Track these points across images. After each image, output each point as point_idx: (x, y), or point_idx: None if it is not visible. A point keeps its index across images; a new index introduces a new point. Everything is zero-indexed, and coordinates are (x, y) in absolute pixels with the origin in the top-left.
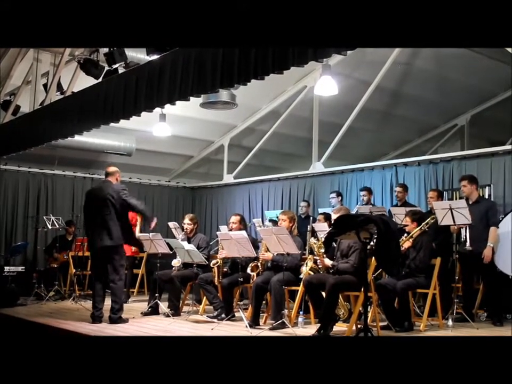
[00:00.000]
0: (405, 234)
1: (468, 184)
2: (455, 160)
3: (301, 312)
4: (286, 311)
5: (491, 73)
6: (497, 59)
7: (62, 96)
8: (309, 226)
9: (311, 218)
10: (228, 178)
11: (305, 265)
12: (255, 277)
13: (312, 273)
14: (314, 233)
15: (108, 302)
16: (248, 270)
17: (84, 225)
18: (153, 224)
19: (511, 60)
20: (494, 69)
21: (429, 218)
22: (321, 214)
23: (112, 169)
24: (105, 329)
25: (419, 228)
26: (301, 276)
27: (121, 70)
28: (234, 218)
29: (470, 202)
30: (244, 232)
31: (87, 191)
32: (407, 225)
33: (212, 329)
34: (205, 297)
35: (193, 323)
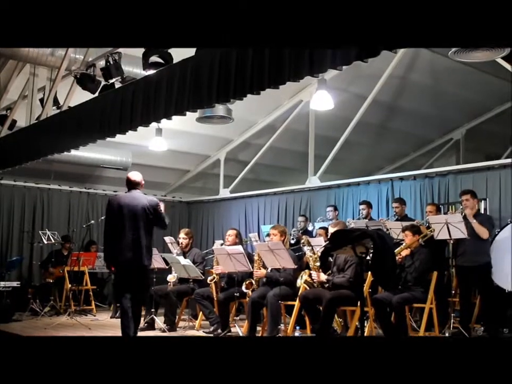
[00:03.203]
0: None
1: (470, 198)
2: (451, 174)
3: (298, 327)
4: (282, 326)
5: (486, 87)
6: (492, 73)
7: (59, 110)
8: (303, 238)
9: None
10: (224, 193)
11: (300, 278)
12: (250, 294)
13: (306, 286)
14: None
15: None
16: (243, 288)
17: (106, 237)
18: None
19: (507, 74)
20: (488, 83)
21: (426, 231)
22: (320, 228)
23: (138, 176)
24: None
25: (417, 239)
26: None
27: (117, 85)
28: (230, 232)
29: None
30: (240, 247)
31: (113, 198)
32: (403, 240)
33: None
34: (201, 312)
35: None
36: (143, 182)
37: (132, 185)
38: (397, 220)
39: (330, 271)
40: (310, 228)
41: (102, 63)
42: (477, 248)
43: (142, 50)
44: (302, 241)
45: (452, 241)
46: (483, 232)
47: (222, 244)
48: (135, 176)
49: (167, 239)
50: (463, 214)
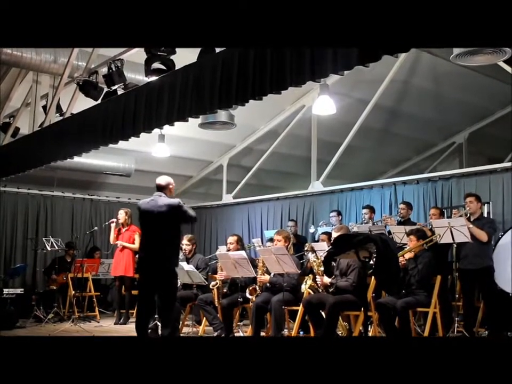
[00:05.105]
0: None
1: (474, 201)
2: (454, 178)
3: (301, 332)
4: (286, 331)
5: (488, 90)
6: (494, 77)
7: (61, 117)
8: (307, 245)
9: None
10: (227, 198)
11: (304, 283)
12: (253, 300)
13: (311, 291)
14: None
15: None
16: (247, 293)
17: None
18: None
19: (509, 77)
20: (490, 87)
21: (432, 236)
22: (323, 233)
23: (162, 180)
24: None
25: (421, 244)
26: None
27: (120, 91)
28: (231, 239)
29: (472, 219)
30: (243, 252)
31: (138, 205)
32: (406, 244)
33: None
34: (204, 318)
35: None
36: (170, 186)
37: (157, 189)
38: (399, 222)
39: (333, 275)
40: (311, 231)
41: (104, 70)
42: (479, 251)
43: (144, 57)
44: (306, 248)
45: (455, 245)
46: (481, 235)
47: (228, 250)
48: (159, 179)
49: None
50: (468, 215)
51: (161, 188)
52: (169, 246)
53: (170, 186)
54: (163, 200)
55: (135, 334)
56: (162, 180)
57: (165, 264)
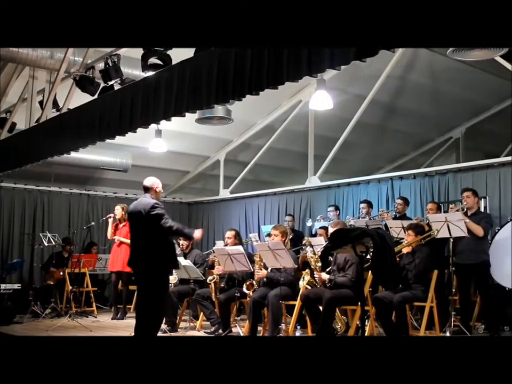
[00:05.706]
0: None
1: (471, 196)
2: (451, 173)
3: (299, 327)
4: (283, 326)
5: (485, 86)
6: (491, 72)
7: (58, 113)
8: (305, 239)
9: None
10: (224, 194)
11: (302, 279)
12: (250, 295)
13: (309, 287)
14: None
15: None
16: (244, 289)
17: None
18: (198, 235)
19: (506, 72)
20: (487, 82)
21: (430, 232)
22: (321, 228)
23: (148, 181)
24: None
25: (419, 239)
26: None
27: (116, 87)
28: (229, 233)
29: (469, 214)
30: (240, 247)
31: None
32: (403, 239)
33: None
34: (202, 313)
35: None
36: (155, 186)
37: (144, 189)
38: (395, 217)
39: (330, 269)
40: (309, 224)
41: (101, 65)
42: (475, 246)
43: (140, 52)
44: (304, 241)
45: (451, 240)
46: (477, 230)
47: (226, 245)
48: (145, 181)
49: None
50: (464, 210)
51: (146, 189)
52: (148, 248)
53: (155, 187)
54: (143, 201)
55: (132, 330)
56: (147, 181)
57: (144, 265)
